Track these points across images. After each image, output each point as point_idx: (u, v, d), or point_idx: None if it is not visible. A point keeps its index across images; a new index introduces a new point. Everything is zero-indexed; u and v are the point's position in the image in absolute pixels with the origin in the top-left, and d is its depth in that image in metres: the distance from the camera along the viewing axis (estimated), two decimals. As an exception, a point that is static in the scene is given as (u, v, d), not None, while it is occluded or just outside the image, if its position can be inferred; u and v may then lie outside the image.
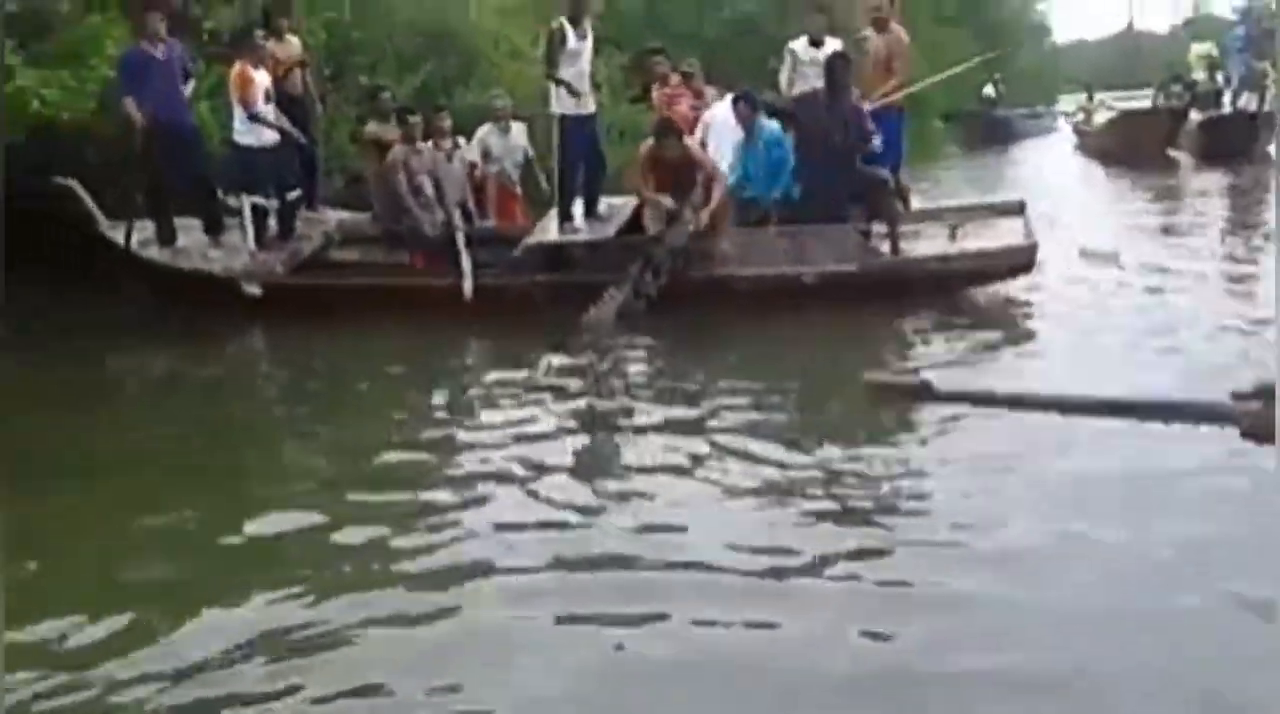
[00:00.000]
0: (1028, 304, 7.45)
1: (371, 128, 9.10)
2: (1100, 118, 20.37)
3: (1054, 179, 15.28)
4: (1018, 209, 7.94)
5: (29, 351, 7.14)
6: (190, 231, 8.24)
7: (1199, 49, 18.85)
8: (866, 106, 8.02)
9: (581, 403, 5.68)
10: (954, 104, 21.98)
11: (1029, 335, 6.83)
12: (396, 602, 3.39)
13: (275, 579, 3.57)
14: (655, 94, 8.85)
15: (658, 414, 5.36)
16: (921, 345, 6.61)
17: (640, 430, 5.15)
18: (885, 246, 7.59)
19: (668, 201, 7.63)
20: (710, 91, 8.72)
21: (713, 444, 4.75)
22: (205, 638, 3.18)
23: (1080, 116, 21.67)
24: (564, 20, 7.95)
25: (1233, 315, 6.62)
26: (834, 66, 7.84)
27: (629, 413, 5.51)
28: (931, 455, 4.47)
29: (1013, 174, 17.55)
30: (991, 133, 22.24)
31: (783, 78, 8.50)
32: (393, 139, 8.70)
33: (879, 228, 7.67)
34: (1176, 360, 5.76)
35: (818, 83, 8.00)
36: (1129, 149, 16.79)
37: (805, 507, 4.02)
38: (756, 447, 4.67)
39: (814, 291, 7.19)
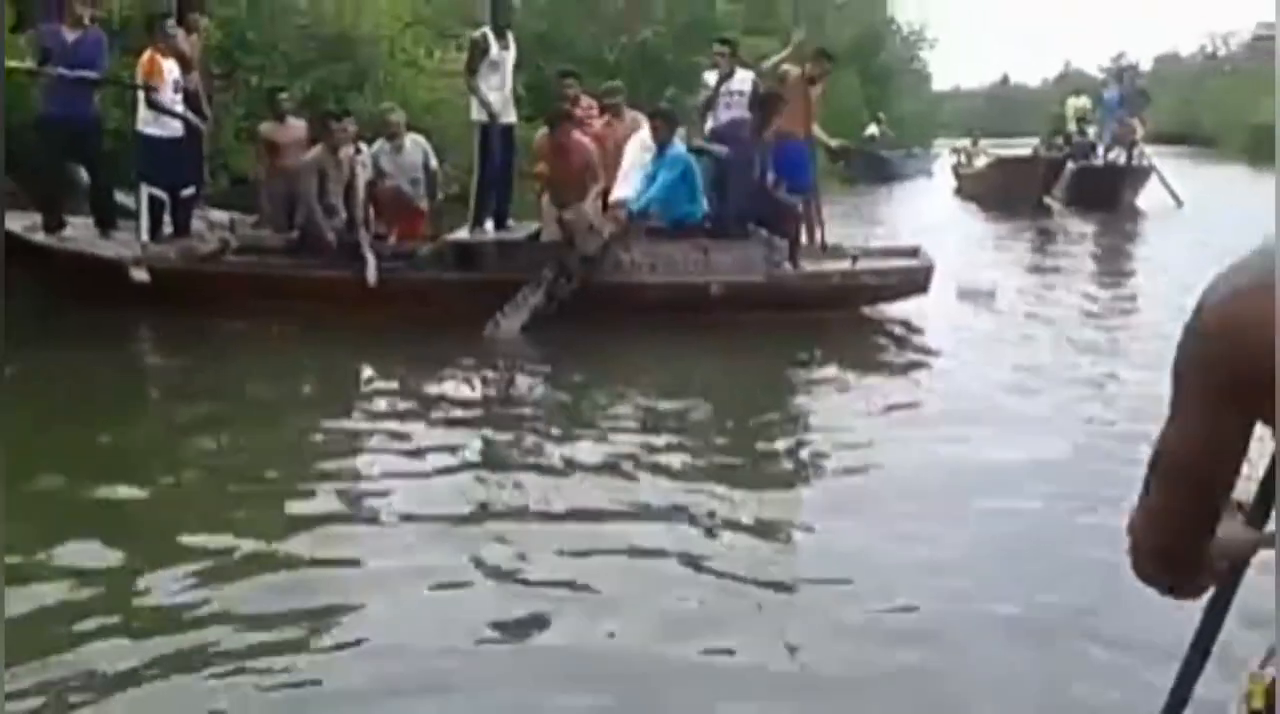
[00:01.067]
0: (917, 332, 7.75)
1: (266, 128, 8.90)
2: (980, 162, 21.07)
3: (933, 218, 15.73)
4: (913, 252, 8.31)
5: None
6: (80, 228, 7.95)
7: (1075, 104, 19.68)
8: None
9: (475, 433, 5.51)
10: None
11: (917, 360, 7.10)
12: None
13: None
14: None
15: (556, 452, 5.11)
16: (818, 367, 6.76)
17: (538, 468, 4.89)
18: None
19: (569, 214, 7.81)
20: (630, 115, 8.78)
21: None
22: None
23: (961, 159, 22.36)
24: (487, 30, 8.10)
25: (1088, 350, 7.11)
26: (766, 101, 8.19)
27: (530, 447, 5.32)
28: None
29: (894, 211, 18.04)
30: (873, 171, 22.83)
31: (701, 107, 8.77)
32: (285, 140, 8.55)
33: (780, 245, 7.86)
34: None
35: (739, 113, 8.26)
36: (1006, 193, 17.40)
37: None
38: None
39: (721, 302, 7.33)
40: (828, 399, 6.14)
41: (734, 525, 4.10)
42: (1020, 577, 3.55)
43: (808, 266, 7.95)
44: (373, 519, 4.17)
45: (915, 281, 7.82)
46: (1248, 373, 0.97)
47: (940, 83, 58.26)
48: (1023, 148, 23.60)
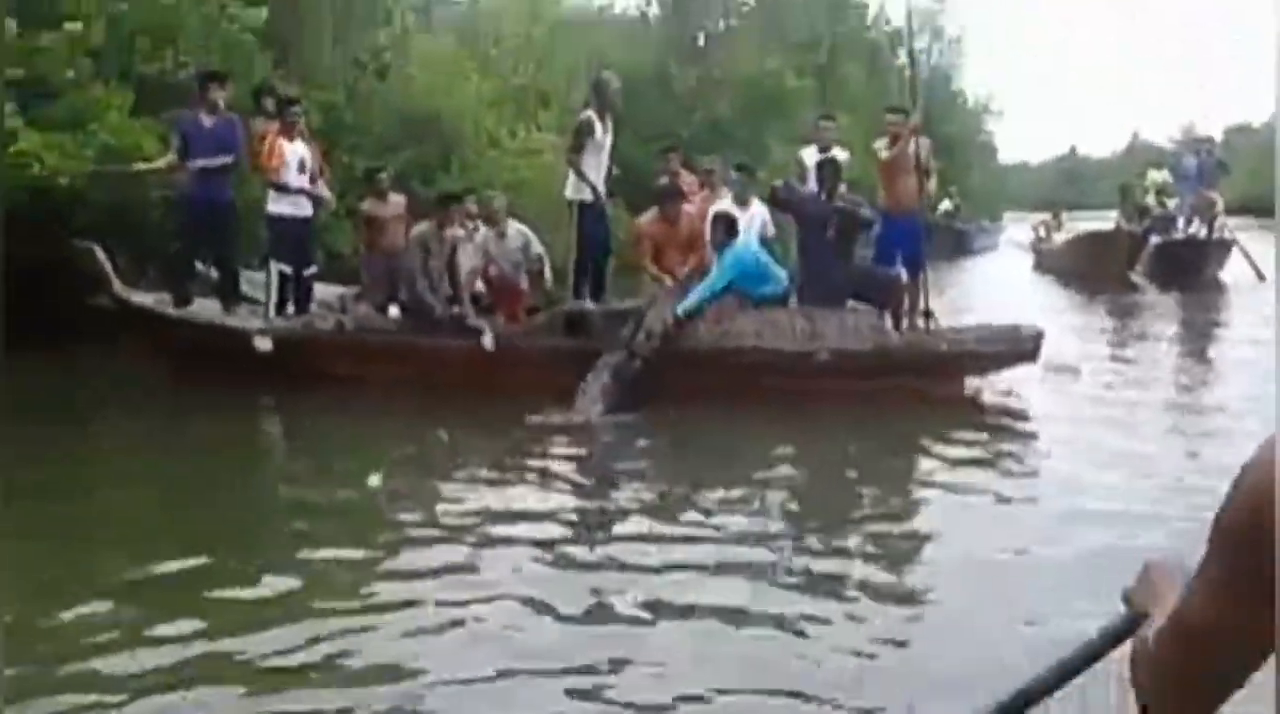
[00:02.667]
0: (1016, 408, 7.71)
1: (367, 205, 9.18)
2: (1060, 237, 20.88)
3: (1013, 292, 15.64)
4: (1012, 331, 8.14)
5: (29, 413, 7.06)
6: (204, 307, 8.31)
7: (1154, 176, 19.52)
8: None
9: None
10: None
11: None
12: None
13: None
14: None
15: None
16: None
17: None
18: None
19: (663, 275, 8.14)
20: (723, 188, 8.95)
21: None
22: None
23: (1041, 233, 22.17)
24: (592, 114, 8.40)
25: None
26: (823, 170, 8.37)
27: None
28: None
29: (975, 285, 17.94)
30: (950, 245, 22.75)
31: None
32: (385, 216, 8.82)
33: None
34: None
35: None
36: (1089, 269, 17.19)
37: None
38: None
39: (827, 369, 7.40)
40: (928, 471, 6.12)
41: (843, 597, 4.10)
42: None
43: (912, 337, 8.00)
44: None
45: (1023, 349, 7.77)
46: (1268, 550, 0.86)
47: (1007, 155, 58.11)
48: (1092, 220, 23.46)
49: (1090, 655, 1.23)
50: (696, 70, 24.61)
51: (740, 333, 7.68)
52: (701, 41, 26.25)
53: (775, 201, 8.56)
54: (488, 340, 7.75)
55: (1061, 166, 76.83)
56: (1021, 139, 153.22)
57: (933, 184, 9.08)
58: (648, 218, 8.49)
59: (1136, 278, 17.51)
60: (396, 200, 9.15)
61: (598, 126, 8.32)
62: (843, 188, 8.47)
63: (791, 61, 26.24)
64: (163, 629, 3.77)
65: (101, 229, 8.72)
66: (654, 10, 27.26)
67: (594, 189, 8.25)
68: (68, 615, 3.88)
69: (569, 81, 21.71)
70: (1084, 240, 19.24)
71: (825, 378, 7.37)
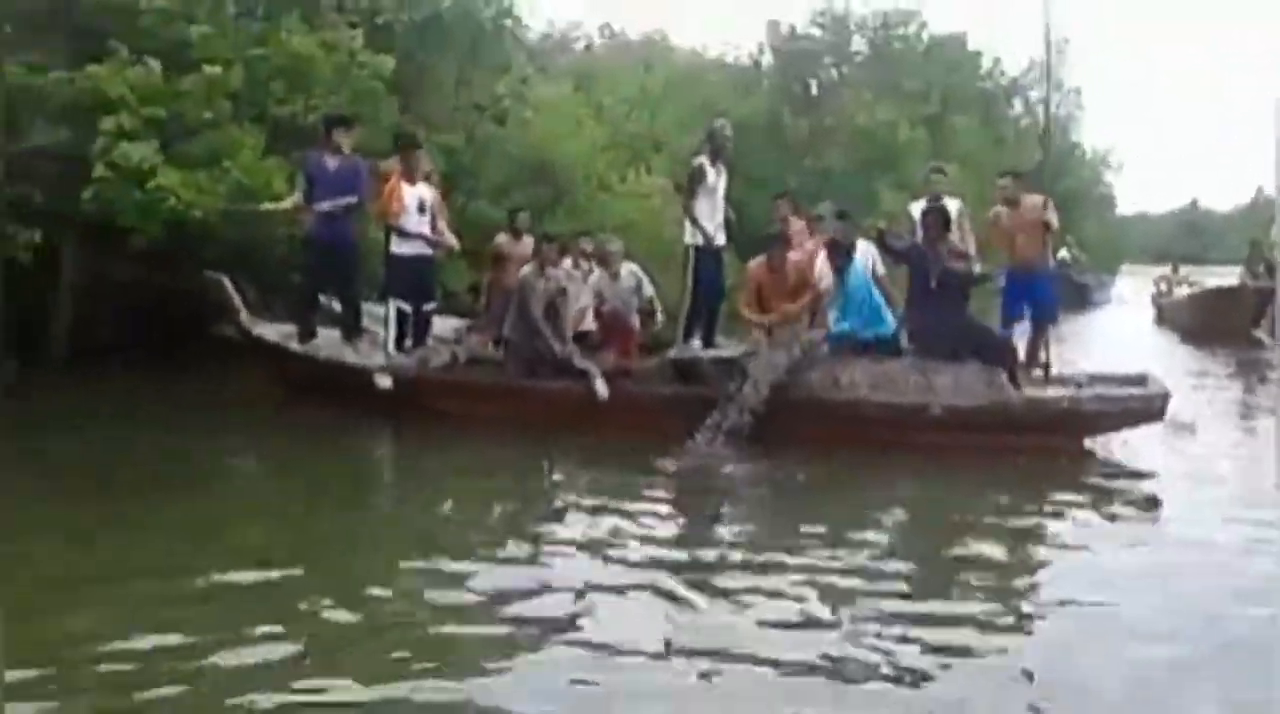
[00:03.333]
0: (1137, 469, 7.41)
1: (501, 240, 9.49)
2: (1181, 291, 20.35)
3: (1134, 347, 15.21)
4: (1140, 380, 8.02)
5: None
6: (327, 339, 8.60)
7: (1278, 231, 18.87)
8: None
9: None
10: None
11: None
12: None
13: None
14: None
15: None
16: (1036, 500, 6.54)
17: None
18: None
19: (762, 320, 8.15)
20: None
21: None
22: None
23: (1161, 287, 21.65)
24: (705, 160, 8.55)
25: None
26: (926, 219, 8.25)
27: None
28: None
29: (1094, 339, 17.49)
30: (1068, 297, 22.24)
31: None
32: (515, 255, 9.03)
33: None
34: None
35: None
36: (1212, 324, 16.72)
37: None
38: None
39: (941, 424, 7.30)
40: (1041, 535, 5.93)
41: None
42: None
43: (1031, 391, 7.79)
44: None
45: (1150, 409, 7.50)
46: None
47: (1126, 207, 56.88)
48: (1212, 276, 22.76)
49: None
50: (808, 119, 24.66)
51: (854, 384, 7.61)
52: (814, 90, 26.33)
53: (881, 244, 8.47)
54: (601, 387, 7.78)
55: (1181, 219, 74.85)
56: (1141, 191, 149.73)
57: (1053, 224, 8.88)
58: (755, 263, 8.50)
59: (1261, 335, 16.96)
60: (528, 241, 9.35)
61: (710, 172, 8.47)
62: (955, 239, 8.36)
63: (903, 112, 26.13)
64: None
65: (229, 263, 9.09)
66: (767, 59, 27.43)
67: (705, 233, 8.36)
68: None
69: (681, 129, 22.00)
70: (1208, 295, 18.73)
71: (938, 432, 7.26)
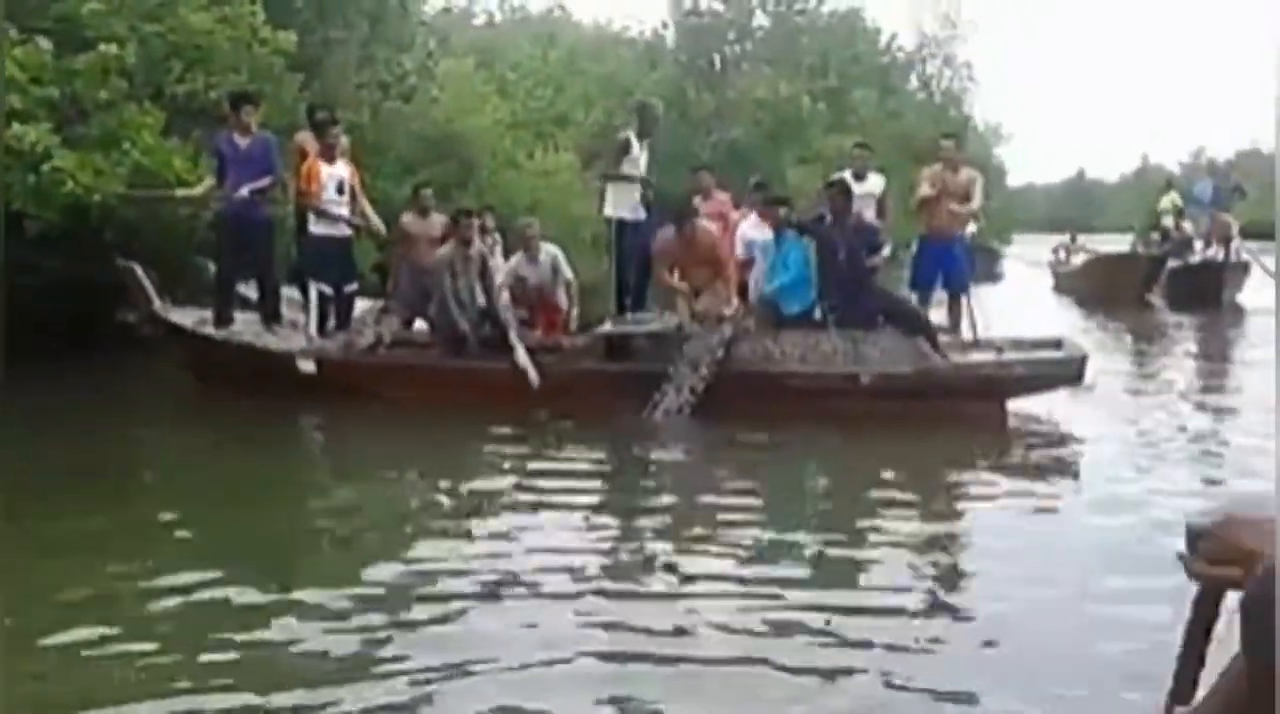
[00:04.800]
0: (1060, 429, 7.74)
1: (407, 219, 9.27)
2: (1078, 259, 20.92)
3: (1034, 314, 15.60)
4: (1056, 344, 8.29)
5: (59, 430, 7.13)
6: (246, 324, 8.37)
7: (1168, 199, 19.54)
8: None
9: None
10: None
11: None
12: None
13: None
14: (699, 206, 9.12)
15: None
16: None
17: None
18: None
19: (683, 286, 8.14)
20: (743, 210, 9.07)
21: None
22: None
23: (1059, 256, 22.23)
24: (631, 134, 8.72)
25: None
26: (831, 193, 8.44)
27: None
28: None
29: (996, 306, 17.89)
30: (981, 268, 22.74)
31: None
32: (422, 234, 8.90)
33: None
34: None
35: (870, 215, 8.66)
36: (1106, 291, 17.26)
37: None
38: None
39: (871, 392, 7.47)
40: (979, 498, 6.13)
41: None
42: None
43: (956, 358, 8.00)
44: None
45: (1069, 372, 7.79)
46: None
47: (1015, 178, 58.26)
48: (1105, 243, 23.46)
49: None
50: (712, 94, 24.76)
51: (785, 356, 7.72)
52: (718, 65, 26.43)
53: (789, 222, 8.55)
54: (532, 374, 7.71)
55: (1069, 189, 76.98)
56: (1030, 163, 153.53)
57: (975, 204, 9.06)
58: (664, 235, 8.49)
59: (1154, 300, 17.58)
60: (437, 219, 9.19)
61: (635, 146, 8.58)
62: (871, 216, 8.55)
63: (804, 86, 26.38)
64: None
65: (129, 247, 8.80)
66: (670, 33, 27.43)
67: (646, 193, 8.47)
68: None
69: (586, 104, 21.92)
70: (1102, 262, 19.31)
71: (868, 400, 7.41)
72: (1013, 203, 53.01)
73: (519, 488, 6.07)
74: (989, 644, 3.88)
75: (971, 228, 10.58)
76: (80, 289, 9.01)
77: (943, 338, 8.28)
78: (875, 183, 8.89)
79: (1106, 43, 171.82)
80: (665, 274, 8.34)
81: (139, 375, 8.89)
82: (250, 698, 3.33)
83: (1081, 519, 5.55)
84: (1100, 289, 17.59)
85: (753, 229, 8.63)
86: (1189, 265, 17.77)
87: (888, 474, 6.48)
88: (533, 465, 6.58)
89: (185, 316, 8.22)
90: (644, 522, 5.51)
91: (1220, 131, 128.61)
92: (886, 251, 9.33)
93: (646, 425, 7.40)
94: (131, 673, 3.52)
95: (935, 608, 4.26)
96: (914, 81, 36.13)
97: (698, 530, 5.34)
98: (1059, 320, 14.54)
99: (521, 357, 7.76)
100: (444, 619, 4.02)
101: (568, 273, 8.91)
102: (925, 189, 9.23)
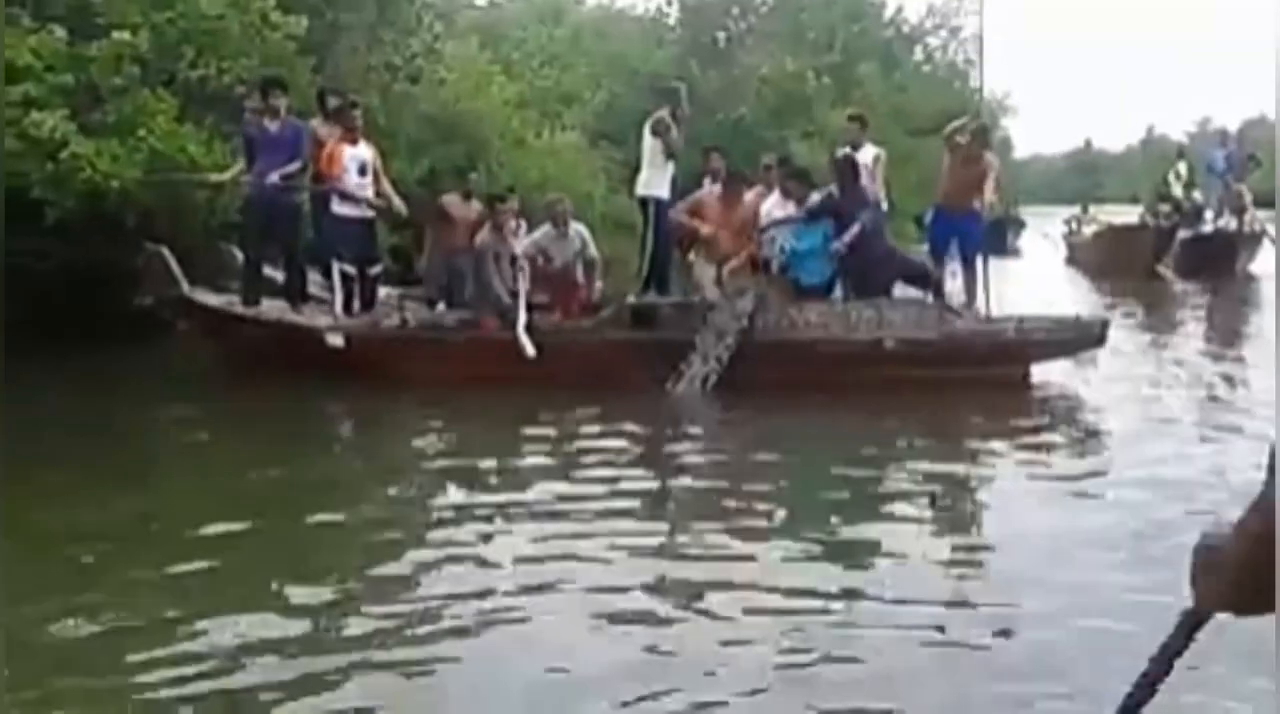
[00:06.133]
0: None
1: (449, 199, 9.34)
2: (1088, 231, 20.83)
3: (1046, 287, 15.59)
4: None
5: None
6: (271, 307, 8.42)
7: (1179, 169, 19.43)
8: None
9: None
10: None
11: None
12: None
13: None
14: (706, 187, 9.14)
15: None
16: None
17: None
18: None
19: (706, 229, 8.35)
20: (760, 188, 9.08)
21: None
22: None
23: (1072, 227, 22.12)
24: (667, 114, 8.66)
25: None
26: (841, 166, 8.58)
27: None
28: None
29: (1009, 280, 17.86)
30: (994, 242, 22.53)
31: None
32: (461, 218, 8.96)
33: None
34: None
35: (866, 183, 8.69)
36: (1117, 262, 17.21)
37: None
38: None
39: (895, 358, 7.54)
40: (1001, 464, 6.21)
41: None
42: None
43: (978, 325, 8.07)
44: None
45: (1091, 335, 7.86)
46: None
47: (1021, 149, 58.02)
48: (1116, 214, 23.32)
49: (1170, 658, 1.21)
50: (717, 71, 24.66)
51: (810, 324, 7.76)
52: (722, 43, 26.31)
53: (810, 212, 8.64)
54: (529, 349, 7.73)
55: (1077, 160, 76.60)
56: (1037, 134, 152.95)
57: (989, 196, 9.05)
58: (708, 192, 8.52)
59: (1163, 271, 17.50)
60: (476, 206, 9.20)
61: (673, 128, 8.54)
62: (866, 183, 8.61)
63: (808, 61, 26.24)
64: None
65: (148, 233, 8.82)
66: (674, 11, 27.29)
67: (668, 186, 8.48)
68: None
69: (592, 83, 21.86)
70: (1111, 233, 19.23)
71: (892, 367, 7.47)
72: (1020, 175, 52.86)
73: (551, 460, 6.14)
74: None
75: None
76: (98, 275, 9.04)
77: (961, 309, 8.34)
78: (868, 154, 8.94)
79: (1110, 13, 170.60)
80: (690, 218, 8.34)
81: (160, 360, 8.94)
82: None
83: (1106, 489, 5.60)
84: (1111, 260, 17.54)
85: (777, 207, 8.63)
86: (1201, 235, 17.70)
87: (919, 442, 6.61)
88: (556, 439, 6.65)
89: (214, 300, 8.28)
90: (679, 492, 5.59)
91: (1226, 101, 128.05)
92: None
93: (673, 396, 7.44)
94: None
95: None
96: (919, 54, 35.89)
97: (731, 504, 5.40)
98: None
99: (520, 330, 7.81)
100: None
101: (593, 251, 8.95)
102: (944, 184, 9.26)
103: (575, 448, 6.38)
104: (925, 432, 6.82)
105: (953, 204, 9.00)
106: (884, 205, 9.08)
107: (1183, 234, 17.66)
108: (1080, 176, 67.01)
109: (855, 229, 8.03)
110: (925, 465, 6.00)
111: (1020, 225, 25.96)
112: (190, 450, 6.69)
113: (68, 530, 4.74)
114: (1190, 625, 1.19)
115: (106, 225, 8.84)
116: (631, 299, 8.30)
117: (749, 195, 8.87)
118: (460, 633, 3.69)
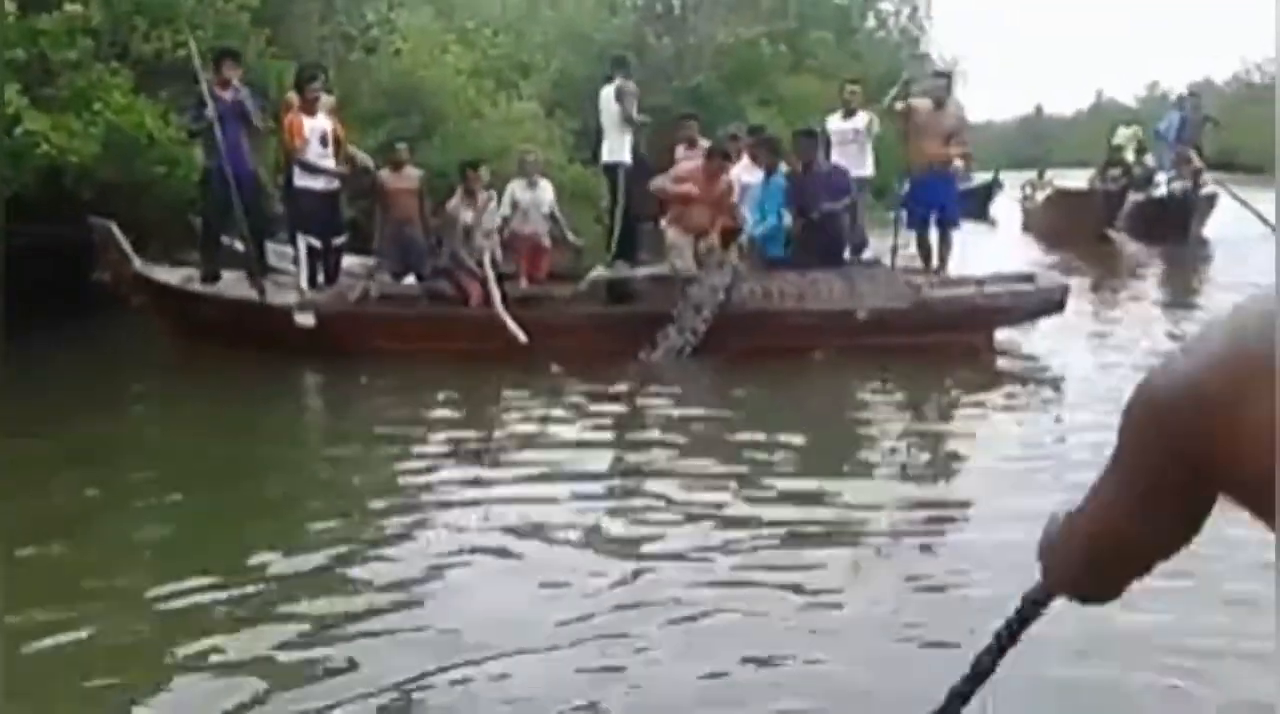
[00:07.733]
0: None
1: (383, 175, 9.22)
2: (1040, 196, 20.92)
3: (1000, 253, 15.72)
4: (1028, 278, 8.50)
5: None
6: (231, 281, 8.31)
7: (1126, 132, 19.52)
8: None
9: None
10: (883, 179, 22.19)
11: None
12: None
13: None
14: (681, 154, 9.14)
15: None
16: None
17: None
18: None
19: (687, 189, 8.26)
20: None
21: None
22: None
23: (1027, 192, 22.19)
24: (627, 82, 8.95)
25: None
26: (801, 142, 8.67)
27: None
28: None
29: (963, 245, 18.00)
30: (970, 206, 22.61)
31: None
32: (399, 188, 8.88)
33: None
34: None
35: (856, 149, 9.06)
36: (1066, 227, 17.33)
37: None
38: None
39: (867, 327, 7.68)
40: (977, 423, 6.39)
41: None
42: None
43: (942, 292, 8.23)
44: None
45: (1052, 300, 8.06)
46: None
47: (974, 115, 58.17)
48: (1068, 178, 23.50)
49: (1016, 630, 1.19)
50: (673, 39, 24.57)
51: (783, 295, 7.80)
52: (677, 10, 26.19)
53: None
54: (518, 331, 7.70)
55: (1027, 125, 77.03)
56: (987, 100, 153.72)
57: (961, 146, 9.15)
58: (689, 164, 8.56)
59: (1114, 234, 17.64)
60: (411, 173, 9.16)
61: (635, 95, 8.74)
62: (852, 148, 8.69)
63: (763, 28, 26.21)
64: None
65: (103, 207, 8.68)
66: (629, -23, 27.07)
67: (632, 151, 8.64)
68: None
69: (547, 52, 21.71)
70: (1059, 199, 19.33)
71: (864, 335, 7.58)
72: (973, 141, 53.16)
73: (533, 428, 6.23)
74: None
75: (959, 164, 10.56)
76: (58, 252, 8.90)
77: (931, 276, 8.49)
78: (861, 120, 9.03)
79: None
80: (670, 184, 8.40)
81: (112, 339, 8.81)
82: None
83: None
84: (1061, 225, 17.66)
85: (745, 172, 8.70)
86: (1153, 198, 17.79)
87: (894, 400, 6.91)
88: (541, 411, 6.70)
89: (169, 276, 8.14)
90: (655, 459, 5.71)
91: (1172, 65, 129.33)
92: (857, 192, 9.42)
93: (648, 366, 7.49)
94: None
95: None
96: (872, 20, 35.99)
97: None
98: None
99: (503, 313, 7.77)
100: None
101: (558, 212, 8.96)
102: (916, 119, 9.26)
103: (552, 416, 6.42)
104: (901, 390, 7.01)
105: (925, 169, 9.05)
106: (870, 171, 9.23)
107: (1135, 197, 17.78)
108: (1032, 142, 67.41)
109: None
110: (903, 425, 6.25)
111: (999, 187, 26.08)
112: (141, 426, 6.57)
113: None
114: (1033, 607, 1.13)
115: (63, 202, 8.69)
116: (602, 270, 8.31)
117: (733, 169, 8.88)
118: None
